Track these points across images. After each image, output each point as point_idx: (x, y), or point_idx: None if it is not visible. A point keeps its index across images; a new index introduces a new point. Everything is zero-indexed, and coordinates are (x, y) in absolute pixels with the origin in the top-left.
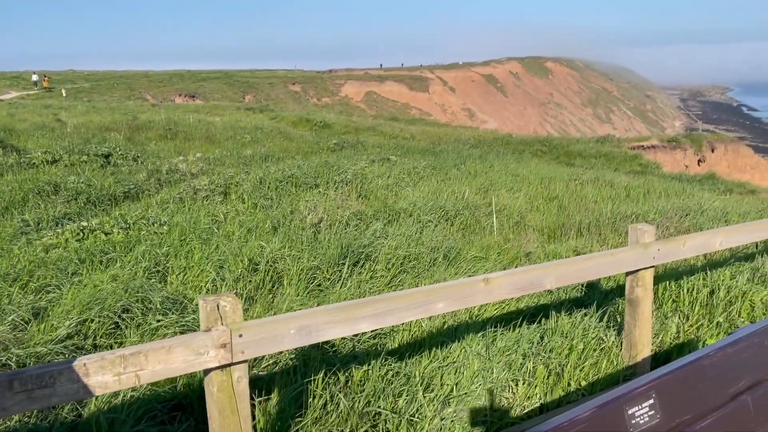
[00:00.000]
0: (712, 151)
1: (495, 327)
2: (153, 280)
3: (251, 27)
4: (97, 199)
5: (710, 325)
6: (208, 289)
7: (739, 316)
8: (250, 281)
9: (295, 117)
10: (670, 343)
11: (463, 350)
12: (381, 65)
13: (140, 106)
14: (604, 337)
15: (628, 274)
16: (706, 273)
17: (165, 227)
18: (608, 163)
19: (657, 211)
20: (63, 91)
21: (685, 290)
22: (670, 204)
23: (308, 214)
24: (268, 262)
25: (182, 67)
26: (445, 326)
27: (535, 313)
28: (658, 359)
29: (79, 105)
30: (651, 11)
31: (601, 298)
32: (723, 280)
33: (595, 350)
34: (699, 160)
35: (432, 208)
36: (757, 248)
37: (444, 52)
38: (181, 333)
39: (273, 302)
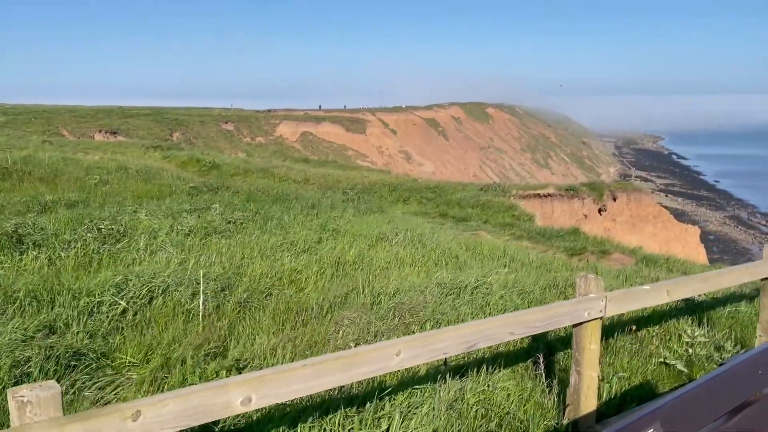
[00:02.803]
0: (614, 200)
1: None
2: None
3: (195, 66)
4: None
5: None
6: None
7: None
8: None
9: (185, 157)
10: None
11: None
12: (320, 106)
13: (27, 141)
14: None
15: None
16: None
17: None
18: (482, 213)
19: (396, 292)
20: None
21: None
22: (449, 277)
23: None
24: None
25: (119, 103)
26: None
27: None
28: None
29: None
30: (588, 64)
31: None
32: None
33: None
34: (600, 209)
35: (146, 285)
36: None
37: (388, 95)
38: None
39: None
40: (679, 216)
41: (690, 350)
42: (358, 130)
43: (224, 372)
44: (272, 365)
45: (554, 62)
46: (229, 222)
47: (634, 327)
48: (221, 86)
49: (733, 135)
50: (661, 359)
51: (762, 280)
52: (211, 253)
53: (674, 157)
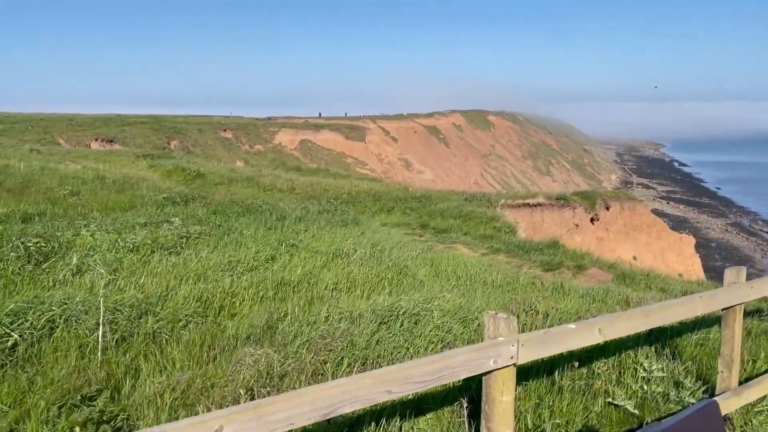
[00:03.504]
0: (607, 208)
1: None
2: None
3: (195, 74)
4: None
5: None
6: None
7: None
8: None
9: (171, 166)
10: None
11: None
12: (320, 114)
13: (15, 150)
14: None
15: None
16: None
17: None
18: (464, 225)
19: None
20: None
21: None
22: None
23: None
24: None
25: (120, 111)
26: None
27: None
28: None
29: None
30: (589, 71)
31: None
32: None
33: None
34: (592, 219)
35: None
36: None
37: (390, 103)
38: None
39: None
40: (681, 223)
41: (645, 387)
42: (358, 137)
43: (78, 429)
44: (143, 418)
45: (556, 70)
46: (182, 237)
47: (576, 363)
48: (221, 94)
49: (735, 142)
50: (610, 399)
51: (723, 309)
52: (146, 273)
53: (676, 164)
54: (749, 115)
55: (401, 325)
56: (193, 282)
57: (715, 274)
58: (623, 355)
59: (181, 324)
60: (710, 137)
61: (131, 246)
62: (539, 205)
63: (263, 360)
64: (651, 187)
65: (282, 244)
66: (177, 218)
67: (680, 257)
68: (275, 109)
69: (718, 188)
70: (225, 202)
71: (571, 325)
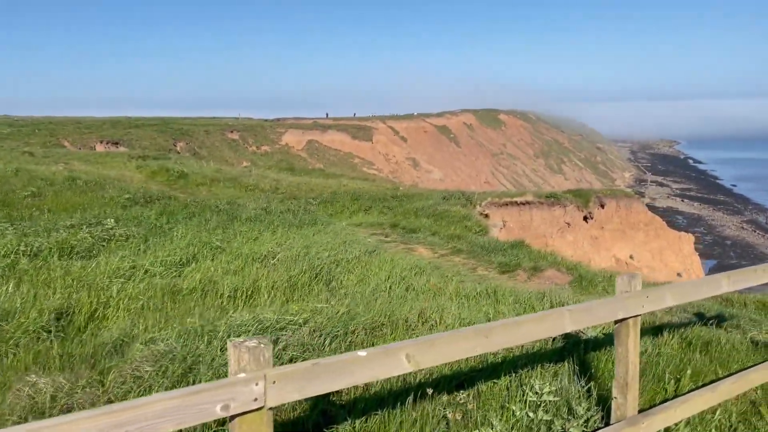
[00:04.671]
0: (602, 206)
1: None
2: None
3: (205, 77)
4: None
5: None
6: None
7: None
8: None
9: (156, 166)
10: None
11: None
12: (327, 114)
13: (10, 152)
14: None
15: None
16: None
17: None
18: (435, 224)
19: None
20: None
21: None
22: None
23: None
24: None
25: (132, 114)
26: None
27: None
28: None
29: None
30: (603, 70)
31: None
32: None
33: None
34: (585, 217)
35: None
36: None
37: (402, 104)
38: None
39: None
40: (696, 221)
41: (531, 414)
42: (365, 137)
43: None
44: None
45: (568, 68)
46: (105, 240)
47: (430, 390)
48: (231, 97)
49: (751, 139)
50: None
51: (616, 322)
52: (28, 280)
53: (691, 161)
54: (765, 111)
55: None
56: (73, 291)
57: None
58: (521, 372)
59: (26, 340)
60: (726, 134)
61: (34, 250)
62: (527, 203)
63: (48, 389)
64: (665, 184)
65: (206, 247)
66: (111, 219)
67: (679, 256)
68: (285, 111)
69: (734, 185)
70: (188, 203)
71: (361, 353)
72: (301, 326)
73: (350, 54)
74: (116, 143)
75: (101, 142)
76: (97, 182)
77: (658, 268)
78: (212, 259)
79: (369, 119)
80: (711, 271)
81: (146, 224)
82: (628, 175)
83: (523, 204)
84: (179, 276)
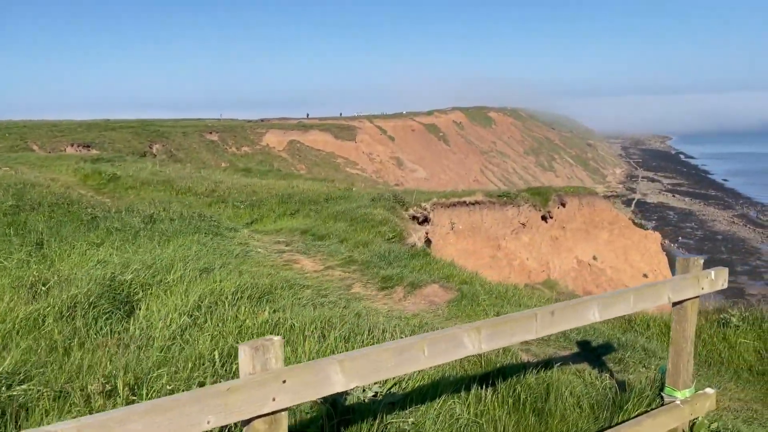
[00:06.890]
0: (563, 205)
1: None
2: None
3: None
4: None
5: None
6: None
7: None
8: None
9: (89, 169)
10: None
11: None
12: (307, 115)
13: None
14: None
15: None
16: None
17: None
18: (350, 228)
19: None
20: None
21: None
22: None
23: None
24: None
25: (111, 117)
26: None
27: None
28: None
29: None
30: (593, 65)
31: None
32: None
33: None
34: (544, 216)
35: None
36: None
37: (392, 103)
38: None
39: None
40: (686, 216)
41: None
42: (348, 137)
43: None
44: None
45: (559, 64)
46: None
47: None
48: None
49: (742, 133)
50: None
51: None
52: None
53: (682, 156)
54: (756, 105)
55: None
56: None
57: None
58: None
59: None
60: (717, 129)
61: None
62: (477, 203)
63: None
64: (656, 180)
65: None
66: None
67: (645, 256)
68: (269, 111)
69: (725, 180)
70: (81, 211)
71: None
72: None
73: (337, 53)
74: (88, 146)
75: (72, 145)
76: (14, 186)
77: (623, 268)
78: None
79: (355, 119)
80: (705, 265)
81: None
82: (619, 171)
83: (473, 204)
84: None
